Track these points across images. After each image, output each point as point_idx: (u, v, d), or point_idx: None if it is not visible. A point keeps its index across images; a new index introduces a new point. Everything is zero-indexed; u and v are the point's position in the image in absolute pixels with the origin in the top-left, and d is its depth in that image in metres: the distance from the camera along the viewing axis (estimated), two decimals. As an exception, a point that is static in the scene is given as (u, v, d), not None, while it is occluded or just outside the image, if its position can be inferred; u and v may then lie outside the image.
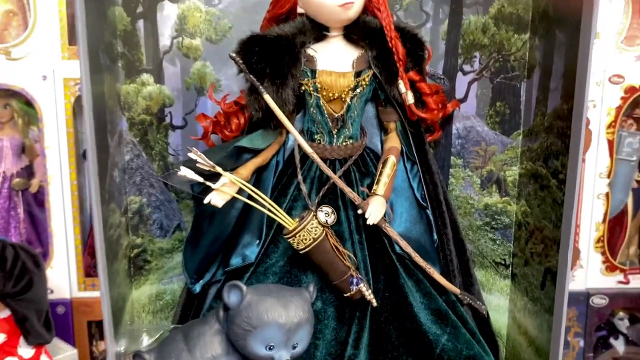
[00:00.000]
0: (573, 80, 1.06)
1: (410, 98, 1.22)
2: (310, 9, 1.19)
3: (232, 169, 1.21)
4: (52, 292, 1.51)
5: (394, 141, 1.30)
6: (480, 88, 1.41)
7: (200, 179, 1.16)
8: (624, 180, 1.65)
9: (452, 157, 1.46)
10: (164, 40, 1.34)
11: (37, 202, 1.62)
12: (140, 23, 1.28)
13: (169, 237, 1.41)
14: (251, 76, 1.16)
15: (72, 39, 1.43)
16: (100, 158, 1.04)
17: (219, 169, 1.16)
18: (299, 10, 1.21)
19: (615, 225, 1.68)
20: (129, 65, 1.26)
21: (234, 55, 1.17)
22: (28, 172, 1.62)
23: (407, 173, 1.31)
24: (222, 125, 1.32)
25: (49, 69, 1.43)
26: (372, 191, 1.22)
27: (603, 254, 1.64)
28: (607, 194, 1.60)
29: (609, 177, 1.58)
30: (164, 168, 1.37)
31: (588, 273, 1.65)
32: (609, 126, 1.56)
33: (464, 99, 1.43)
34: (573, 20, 1.06)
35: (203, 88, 1.42)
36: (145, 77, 1.30)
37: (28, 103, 1.50)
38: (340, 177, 1.23)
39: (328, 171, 1.20)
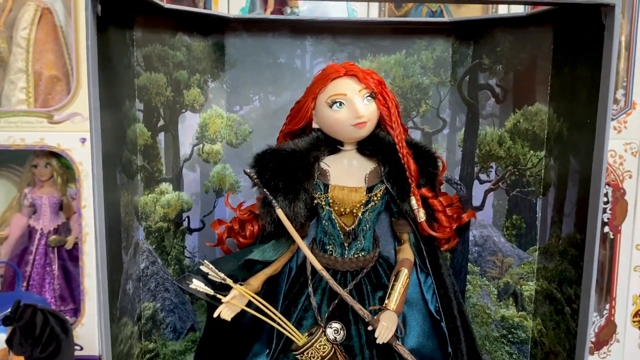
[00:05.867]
0: (585, 214, 1.03)
1: (421, 215, 1.22)
2: (325, 126, 1.21)
3: (243, 279, 1.23)
4: (82, 348, 1.54)
5: (406, 253, 1.28)
6: (496, 199, 1.39)
7: (211, 292, 1.18)
8: (662, 251, 1.59)
9: (469, 264, 1.44)
10: (185, 149, 1.37)
11: (71, 258, 1.68)
12: (161, 135, 1.32)
13: (182, 339, 1.40)
14: (265, 190, 1.18)
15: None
16: (111, 279, 1.06)
17: (229, 281, 1.18)
18: (314, 125, 1.23)
19: (653, 299, 1.61)
20: (148, 176, 1.29)
21: (248, 170, 1.19)
22: (65, 229, 1.69)
23: (421, 285, 1.28)
24: (236, 232, 1.34)
25: (87, 132, 1.50)
26: (384, 305, 1.20)
27: (641, 328, 1.60)
28: (644, 267, 1.56)
29: (646, 249, 1.55)
30: (179, 271, 1.39)
31: (625, 348, 1.61)
32: (646, 196, 1.53)
33: (480, 207, 1.42)
34: (585, 157, 1.05)
35: (222, 190, 1.45)
36: (164, 185, 1.33)
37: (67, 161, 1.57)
38: (351, 290, 1.23)
39: (338, 288, 1.19)
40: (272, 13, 1.62)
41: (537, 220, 1.33)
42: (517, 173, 1.35)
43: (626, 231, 1.55)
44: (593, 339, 1.67)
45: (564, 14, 1.17)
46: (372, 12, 1.64)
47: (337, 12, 1.65)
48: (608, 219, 1.61)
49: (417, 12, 1.72)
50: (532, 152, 1.31)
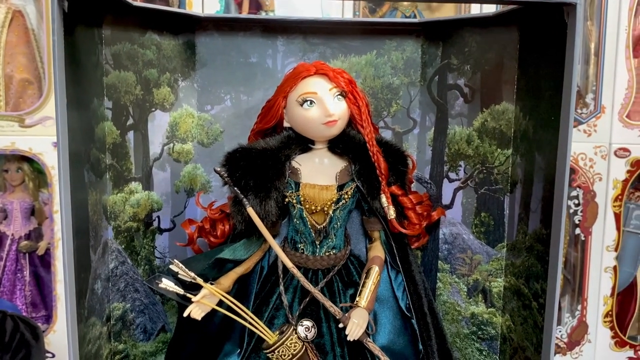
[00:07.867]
0: (551, 210, 1.06)
1: (391, 213, 1.23)
2: (295, 124, 1.22)
3: (214, 278, 1.22)
4: (53, 356, 1.51)
5: (377, 250, 1.29)
6: (465, 197, 1.41)
7: (181, 291, 1.17)
8: (632, 253, 1.64)
9: (439, 262, 1.46)
10: (155, 148, 1.36)
11: (43, 264, 1.65)
12: (131, 134, 1.31)
13: (152, 340, 1.39)
14: (236, 189, 1.18)
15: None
16: (79, 278, 1.04)
17: (199, 281, 1.17)
18: (285, 124, 1.24)
19: (624, 299, 1.65)
20: (117, 175, 1.28)
21: (218, 169, 1.19)
22: (36, 234, 1.66)
23: (391, 282, 1.29)
24: (207, 231, 1.33)
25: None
26: (355, 302, 1.21)
27: (612, 328, 1.62)
28: (614, 268, 1.59)
29: (616, 250, 1.57)
30: (149, 272, 1.38)
31: (596, 349, 1.63)
32: (616, 199, 1.55)
33: (450, 205, 1.43)
34: (550, 154, 1.08)
35: (193, 190, 1.44)
36: (134, 185, 1.32)
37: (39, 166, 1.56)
38: (322, 288, 1.24)
39: (309, 286, 1.19)
40: (246, 16, 1.63)
41: (504, 217, 1.34)
42: (485, 171, 1.37)
43: (597, 233, 1.58)
44: (565, 340, 1.69)
45: (529, 13, 1.20)
46: (347, 14, 1.66)
47: (311, 12, 1.66)
48: (579, 221, 1.64)
49: (391, 17, 1.75)
50: (499, 150, 1.33)
